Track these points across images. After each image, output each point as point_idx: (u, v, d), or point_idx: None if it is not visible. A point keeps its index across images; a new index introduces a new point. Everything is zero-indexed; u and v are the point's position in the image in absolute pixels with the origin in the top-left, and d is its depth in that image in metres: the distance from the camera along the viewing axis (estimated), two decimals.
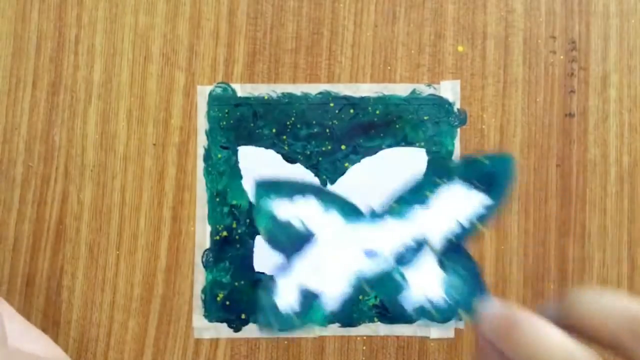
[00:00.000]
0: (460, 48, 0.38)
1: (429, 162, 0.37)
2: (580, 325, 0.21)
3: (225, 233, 0.37)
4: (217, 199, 0.37)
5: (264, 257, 0.37)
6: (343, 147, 0.37)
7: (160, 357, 0.36)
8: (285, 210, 0.25)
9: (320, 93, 0.38)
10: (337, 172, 0.37)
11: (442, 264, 0.25)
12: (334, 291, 0.25)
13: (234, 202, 0.37)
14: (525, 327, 0.20)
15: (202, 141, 0.37)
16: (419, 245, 0.25)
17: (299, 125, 0.37)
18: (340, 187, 0.37)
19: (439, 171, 0.26)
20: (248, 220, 0.37)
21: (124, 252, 0.37)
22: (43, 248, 0.37)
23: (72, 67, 0.38)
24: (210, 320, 0.36)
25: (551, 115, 0.38)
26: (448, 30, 0.38)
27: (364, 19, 0.38)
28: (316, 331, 0.37)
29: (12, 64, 0.38)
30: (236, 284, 0.37)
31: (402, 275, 0.25)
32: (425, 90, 0.38)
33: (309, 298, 0.25)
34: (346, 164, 0.37)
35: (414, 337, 0.37)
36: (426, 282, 0.25)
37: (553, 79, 0.38)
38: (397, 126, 0.37)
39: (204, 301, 0.37)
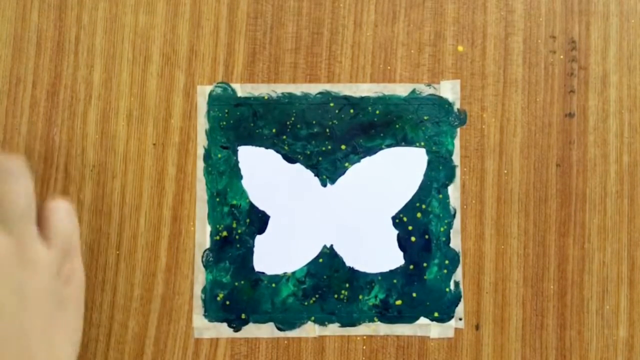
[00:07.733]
0: (460, 48, 0.38)
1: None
2: None
3: (225, 233, 0.37)
4: (217, 199, 0.37)
5: (264, 257, 0.37)
6: (343, 147, 0.37)
7: (160, 357, 0.36)
8: None
9: (320, 93, 0.38)
10: (337, 172, 0.37)
11: None
12: None
13: (234, 202, 0.37)
14: None
15: (202, 141, 0.37)
16: None
17: (299, 125, 0.37)
18: (340, 187, 0.37)
19: None
20: (248, 220, 0.37)
21: (124, 252, 0.37)
22: None
23: (72, 67, 0.38)
24: (210, 320, 0.36)
25: (551, 115, 0.38)
26: (448, 30, 0.38)
27: (364, 19, 0.38)
28: (316, 331, 0.37)
29: (12, 64, 0.38)
30: (236, 284, 0.37)
31: None
32: (425, 90, 0.38)
33: None
34: (346, 164, 0.37)
35: (414, 337, 0.37)
36: None
37: (553, 79, 0.38)
38: (397, 126, 0.37)
39: (204, 301, 0.37)
